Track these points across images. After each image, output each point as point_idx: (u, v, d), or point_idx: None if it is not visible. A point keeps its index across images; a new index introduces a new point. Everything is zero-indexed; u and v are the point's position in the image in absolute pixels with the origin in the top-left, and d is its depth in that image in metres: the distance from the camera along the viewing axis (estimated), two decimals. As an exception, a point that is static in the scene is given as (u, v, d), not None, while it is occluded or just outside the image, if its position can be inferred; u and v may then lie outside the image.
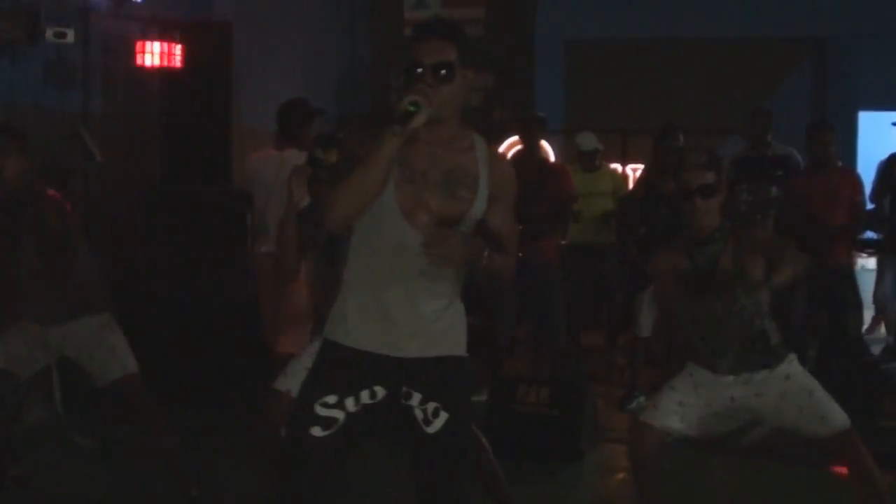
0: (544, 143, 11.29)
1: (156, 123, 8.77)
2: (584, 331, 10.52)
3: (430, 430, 3.80)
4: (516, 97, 12.87)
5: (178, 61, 8.43)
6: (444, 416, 3.80)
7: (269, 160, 7.68)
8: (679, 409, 5.25)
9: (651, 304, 8.49)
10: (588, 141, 10.45)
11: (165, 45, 8.37)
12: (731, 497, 6.71)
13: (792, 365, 5.24)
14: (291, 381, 5.29)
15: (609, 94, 13.37)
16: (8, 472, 6.12)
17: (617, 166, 12.00)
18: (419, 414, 3.80)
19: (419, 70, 3.66)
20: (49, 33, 7.47)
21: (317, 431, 3.76)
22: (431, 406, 3.81)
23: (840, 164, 9.22)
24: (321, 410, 3.77)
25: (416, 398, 3.80)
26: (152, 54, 8.34)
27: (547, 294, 8.63)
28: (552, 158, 11.40)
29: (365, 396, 3.79)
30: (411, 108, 3.53)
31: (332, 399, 3.77)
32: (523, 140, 9.11)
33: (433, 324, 3.79)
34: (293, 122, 7.58)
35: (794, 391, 5.16)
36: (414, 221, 3.72)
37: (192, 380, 7.85)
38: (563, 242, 10.16)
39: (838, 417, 5.09)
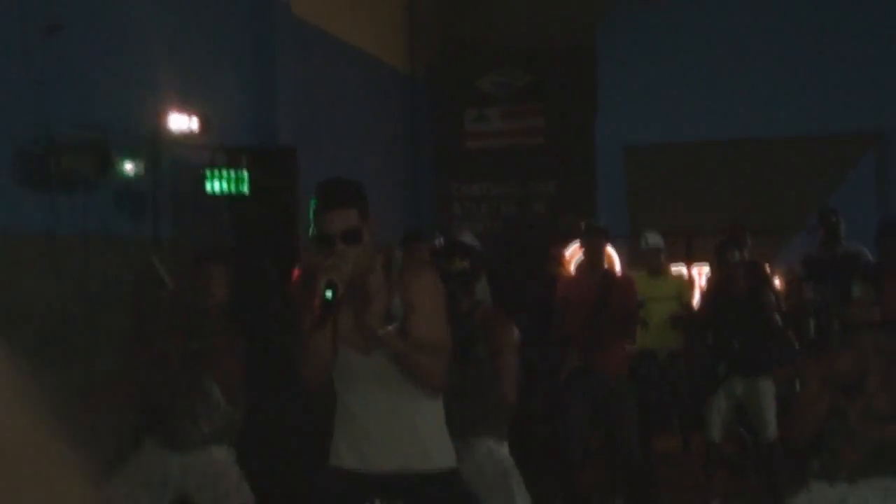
0: (610, 251, 11.36)
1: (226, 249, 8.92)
2: (658, 436, 10.47)
3: None
4: (579, 202, 12.97)
5: (245, 187, 8.61)
6: None
7: None
8: None
9: (720, 409, 8.46)
10: (653, 238, 10.49)
11: (233, 171, 8.55)
12: None
13: None
14: None
15: (670, 197, 13.42)
16: None
17: (681, 267, 12.02)
18: None
19: (329, 240, 3.88)
20: (119, 165, 7.66)
21: None
22: None
23: None
24: None
25: None
26: (220, 181, 8.51)
27: (617, 405, 8.59)
28: (617, 265, 11.44)
29: None
30: (328, 295, 3.74)
31: None
32: (585, 249, 9.15)
33: (408, 439, 3.98)
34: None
35: None
36: (356, 346, 3.94)
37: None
38: (633, 347, 10.16)
39: None
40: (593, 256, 8.99)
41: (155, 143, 7.98)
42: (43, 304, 7.38)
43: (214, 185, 8.48)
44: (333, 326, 3.84)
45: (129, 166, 7.71)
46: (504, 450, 5.95)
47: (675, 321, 10.13)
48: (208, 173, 8.44)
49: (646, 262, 10.53)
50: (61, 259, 7.52)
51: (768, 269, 10.86)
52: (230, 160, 8.59)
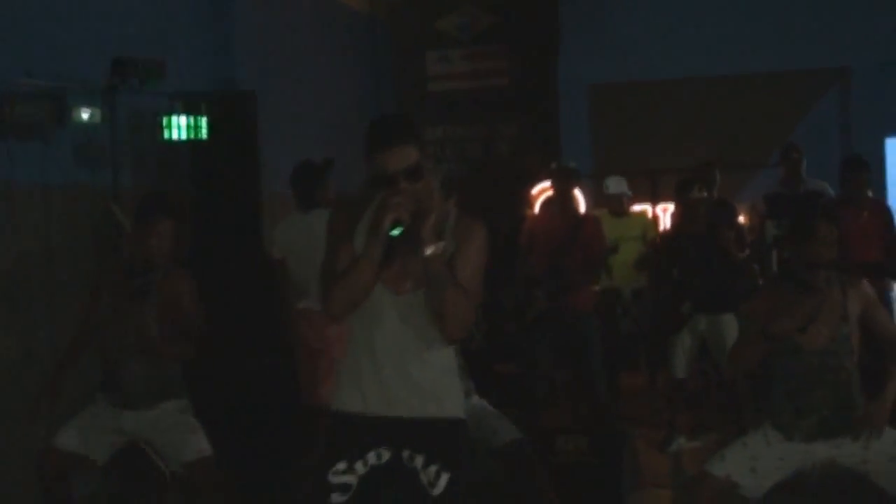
0: (576, 193, 11.37)
1: (185, 196, 8.86)
2: (624, 374, 10.53)
3: (435, 492, 3.93)
4: (543, 144, 12.95)
5: (204, 133, 8.53)
6: (444, 477, 3.94)
7: (296, 223, 7.80)
8: (750, 462, 5.12)
9: (685, 346, 8.51)
10: (615, 184, 10.51)
11: (191, 118, 8.47)
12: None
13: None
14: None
15: (636, 136, 13.40)
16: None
17: (647, 207, 12.05)
18: (424, 478, 3.94)
19: (390, 178, 3.82)
20: (76, 114, 7.59)
21: (336, 498, 3.93)
22: (433, 468, 3.94)
23: (870, 195, 9.21)
24: (334, 478, 3.94)
25: (419, 461, 3.95)
26: (178, 127, 8.43)
27: (584, 343, 8.64)
28: (583, 207, 11.45)
29: (372, 458, 3.96)
30: (395, 233, 3.78)
31: (341, 466, 3.94)
32: (556, 191, 9.15)
33: (425, 384, 3.94)
34: (307, 185, 7.72)
35: (875, 458, 5.03)
36: (391, 283, 3.91)
37: (233, 444, 7.90)
38: (597, 288, 10.20)
39: None
40: (563, 197, 9.00)
41: (111, 91, 7.88)
42: (4, 253, 7.34)
43: (173, 132, 8.40)
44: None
45: (85, 114, 7.63)
46: (473, 398, 6.00)
47: (638, 264, 10.17)
48: (166, 120, 8.36)
49: (609, 205, 10.58)
50: (20, 209, 7.46)
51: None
52: (188, 106, 8.50)
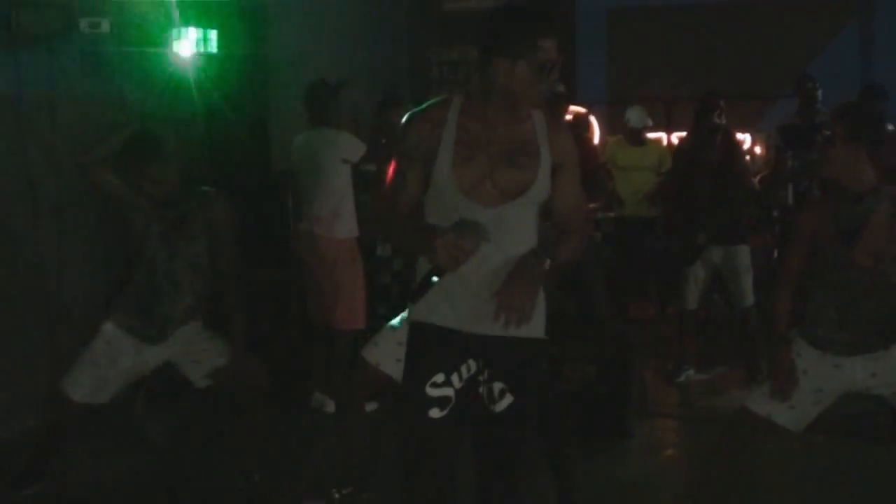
0: (591, 119, 11.23)
1: (193, 109, 8.74)
2: (634, 303, 10.45)
3: (496, 409, 3.85)
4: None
5: (213, 46, 8.39)
6: (509, 397, 3.84)
7: (302, 141, 7.73)
8: (791, 399, 4.95)
9: (697, 277, 8.40)
10: (638, 117, 10.36)
11: (201, 30, 8.32)
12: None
13: None
14: (381, 354, 5.32)
15: (652, 63, 13.22)
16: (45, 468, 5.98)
17: (661, 135, 11.89)
18: (485, 391, 3.85)
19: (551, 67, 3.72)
20: (83, 24, 7.45)
21: (435, 413, 3.82)
22: (498, 385, 3.84)
23: (890, 127, 9.04)
24: (433, 391, 3.82)
25: (486, 374, 3.85)
26: (188, 41, 8.29)
27: (584, 266, 8.53)
28: (597, 133, 11.32)
29: (465, 371, 3.85)
30: (431, 280, 3.74)
31: (440, 378, 3.83)
32: (546, 114, 9.02)
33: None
34: (319, 103, 7.62)
35: None
36: (478, 197, 3.76)
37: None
38: (611, 215, 10.11)
39: None
40: (554, 119, 8.87)
41: (120, 1, 7.74)
42: (10, 162, 7.24)
43: (181, 45, 8.25)
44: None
45: (92, 24, 7.49)
46: None
47: (650, 196, 10.06)
48: (175, 32, 8.21)
49: (628, 137, 10.44)
50: (27, 118, 7.35)
51: (747, 137, 10.78)
52: (198, 18, 8.35)
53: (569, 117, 9.64)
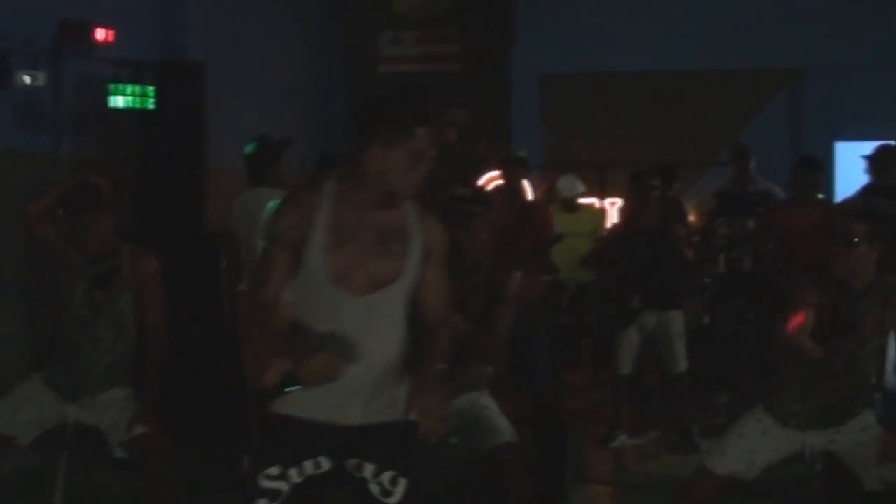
0: (524, 182, 11.26)
1: (128, 165, 8.67)
2: (566, 368, 10.44)
3: (392, 500, 3.76)
4: (492, 132, 12.82)
5: (151, 103, 8.34)
6: (403, 482, 3.76)
7: (242, 200, 7.64)
8: (748, 456, 5.16)
9: (631, 342, 8.41)
10: (569, 186, 10.44)
11: (138, 86, 8.28)
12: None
13: (868, 417, 5.17)
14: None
15: (586, 129, 13.30)
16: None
17: (594, 201, 11.96)
18: (375, 488, 3.76)
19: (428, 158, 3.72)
20: (19, 76, 7.38)
21: (263, 503, 3.74)
22: (388, 475, 3.76)
23: (820, 196, 9.18)
24: (265, 483, 3.75)
25: (370, 469, 3.76)
26: (124, 96, 8.24)
27: (529, 332, 8.53)
28: (530, 196, 11.35)
29: (309, 467, 3.77)
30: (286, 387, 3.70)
31: (274, 471, 3.75)
32: (506, 179, 9.07)
33: (377, 389, 3.73)
34: (261, 161, 7.53)
35: (870, 440, 5.08)
36: (348, 286, 3.69)
37: (173, 421, 7.72)
38: (548, 278, 10.12)
39: None
40: (513, 186, 8.93)
41: (57, 55, 7.67)
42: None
43: (118, 100, 8.20)
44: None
45: (28, 77, 7.42)
46: (485, 394, 5.84)
47: (584, 263, 10.10)
48: (112, 87, 8.16)
49: (561, 202, 10.51)
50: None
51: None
52: (136, 75, 8.31)
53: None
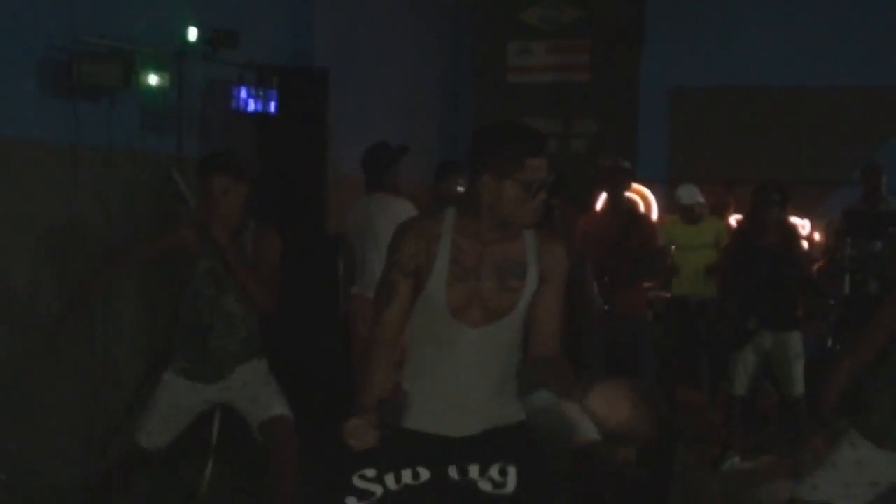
0: (647, 192, 11.16)
1: (251, 169, 8.77)
2: (683, 387, 10.29)
3: (508, 490, 3.78)
4: (620, 144, 12.72)
5: (273, 107, 8.43)
6: (513, 470, 3.77)
7: (359, 205, 7.69)
8: (844, 491, 4.82)
9: (746, 363, 8.26)
10: (688, 194, 10.27)
11: (262, 90, 8.37)
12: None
13: None
14: None
15: (714, 144, 13.14)
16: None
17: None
18: (486, 485, 3.78)
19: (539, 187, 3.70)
20: (145, 78, 7.49)
21: (352, 501, 3.79)
22: (495, 468, 3.78)
23: None
24: (358, 482, 3.79)
25: (475, 469, 3.78)
26: (248, 98, 8.34)
27: (635, 347, 8.43)
28: (654, 207, 11.25)
29: (407, 476, 3.79)
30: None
31: (370, 473, 3.78)
32: (608, 190, 8.98)
33: (485, 405, 3.79)
34: (378, 167, 7.58)
35: None
36: (464, 318, 3.74)
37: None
38: (667, 295, 10.01)
39: None
40: (615, 196, 8.84)
41: (182, 56, 7.80)
42: (63, 215, 7.27)
43: (241, 103, 8.30)
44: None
45: (154, 78, 7.53)
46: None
47: (710, 270, 9.93)
48: (236, 90, 8.26)
49: (681, 212, 10.34)
50: (82, 170, 7.39)
51: (806, 222, 10.65)
52: (260, 78, 8.40)
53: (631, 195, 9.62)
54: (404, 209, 7.50)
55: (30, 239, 7.07)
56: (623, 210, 8.89)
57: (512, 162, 3.66)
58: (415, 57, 12.11)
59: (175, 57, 7.77)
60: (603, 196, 11.16)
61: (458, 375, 3.77)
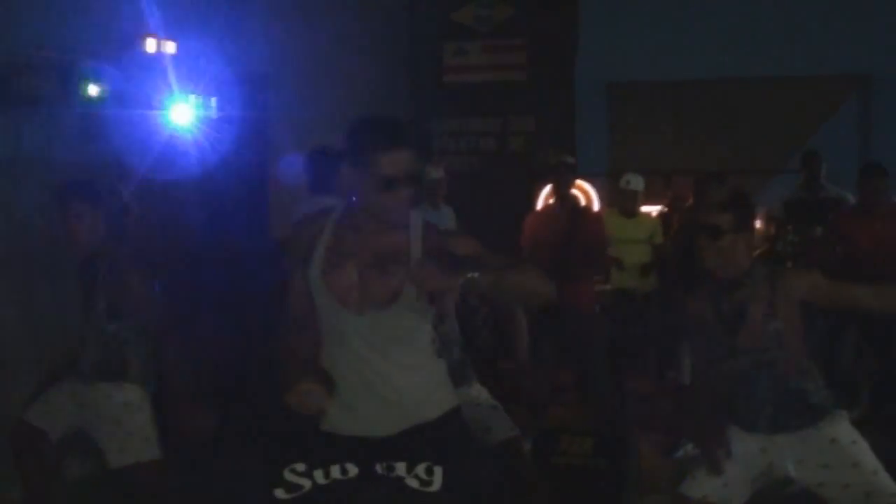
0: (587, 187, 11.23)
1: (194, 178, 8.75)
2: (632, 377, 10.36)
3: (434, 488, 3.79)
4: (558, 140, 12.78)
5: (213, 115, 8.40)
6: (439, 470, 3.78)
7: (305, 210, 7.66)
8: (720, 478, 4.76)
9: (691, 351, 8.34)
10: (634, 181, 10.32)
11: (201, 99, 8.33)
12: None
13: (839, 426, 4.74)
14: None
15: (651, 136, 13.25)
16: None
17: (656, 209, 11.88)
18: (413, 482, 3.79)
19: (391, 182, 3.69)
20: (85, 89, 7.44)
21: (280, 493, 3.81)
22: (421, 467, 3.78)
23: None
24: (288, 475, 3.81)
25: (402, 467, 3.79)
26: (189, 109, 8.30)
27: (584, 340, 8.49)
28: (595, 201, 11.32)
29: (335, 471, 3.80)
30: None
31: (300, 467, 3.81)
32: (554, 185, 9.02)
33: (400, 398, 3.77)
34: (319, 171, 7.56)
35: (839, 463, 4.67)
36: (349, 305, 3.76)
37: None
38: (608, 288, 10.07)
39: (886, 492, 4.61)
40: (561, 192, 8.88)
41: (120, 67, 7.74)
42: (4, 231, 7.21)
43: (182, 114, 8.25)
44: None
45: (94, 89, 7.48)
46: (476, 386, 5.86)
47: (644, 269, 10.03)
48: (175, 101, 8.21)
49: (621, 202, 10.40)
50: (24, 182, 7.33)
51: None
52: (199, 87, 8.36)
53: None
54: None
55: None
56: (569, 206, 8.94)
57: (365, 155, 3.68)
58: (352, 59, 12.10)
59: (113, 67, 7.72)
60: (545, 192, 11.28)
61: (360, 366, 3.77)
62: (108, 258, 5.58)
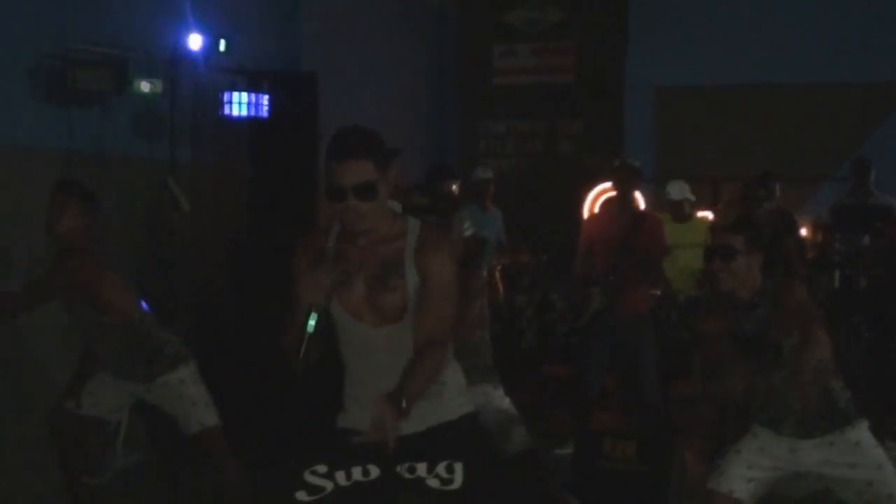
0: (636, 193, 11.20)
1: (243, 173, 8.81)
2: (678, 382, 10.32)
3: (455, 486, 3.79)
4: (605, 144, 12.78)
5: (265, 111, 8.46)
6: (459, 467, 3.79)
7: None
8: (747, 472, 4.96)
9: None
10: (678, 190, 10.29)
11: (253, 95, 8.40)
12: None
13: (862, 431, 4.88)
14: None
15: (700, 142, 13.18)
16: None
17: (708, 214, 11.83)
18: (434, 482, 3.80)
19: (339, 192, 3.64)
20: (137, 84, 7.52)
21: (301, 496, 3.80)
22: (442, 466, 3.79)
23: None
24: (309, 477, 3.80)
25: (423, 467, 3.80)
26: (239, 104, 8.37)
27: (637, 345, 8.44)
28: (643, 207, 11.28)
29: (357, 473, 3.80)
30: (310, 326, 3.66)
31: (322, 469, 3.81)
32: (617, 188, 8.91)
33: (420, 403, 3.70)
34: None
35: (865, 463, 4.82)
36: (363, 319, 3.76)
37: (273, 430, 7.80)
38: (657, 293, 10.03)
39: None
40: (624, 195, 8.75)
41: (174, 63, 7.82)
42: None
43: (233, 109, 8.33)
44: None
45: (146, 85, 7.56)
46: (500, 392, 5.86)
47: (695, 274, 9.99)
48: (227, 96, 8.29)
49: (670, 210, 10.36)
50: (76, 176, 7.39)
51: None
52: (250, 83, 8.44)
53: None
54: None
55: (23, 248, 7.07)
56: (630, 209, 8.84)
57: (329, 166, 3.67)
58: (401, 60, 12.15)
59: (167, 63, 7.80)
60: (592, 195, 11.26)
61: (379, 376, 3.75)
62: (68, 254, 5.66)
